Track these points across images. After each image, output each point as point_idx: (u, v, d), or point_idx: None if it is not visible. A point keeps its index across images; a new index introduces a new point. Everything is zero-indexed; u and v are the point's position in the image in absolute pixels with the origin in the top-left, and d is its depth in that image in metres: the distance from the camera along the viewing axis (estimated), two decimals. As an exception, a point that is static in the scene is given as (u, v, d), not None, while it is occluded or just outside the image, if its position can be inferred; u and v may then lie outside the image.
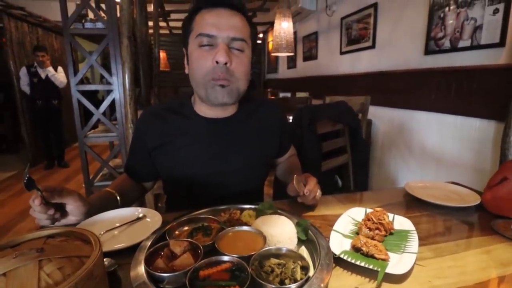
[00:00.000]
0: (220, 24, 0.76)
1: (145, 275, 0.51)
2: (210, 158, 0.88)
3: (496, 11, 1.57)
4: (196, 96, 0.89)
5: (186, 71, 0.86)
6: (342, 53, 3.19)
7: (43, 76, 3.97)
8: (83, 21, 2.05)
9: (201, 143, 0.88)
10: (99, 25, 2.04)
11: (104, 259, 0.55)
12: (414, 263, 0.58)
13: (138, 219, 0.78)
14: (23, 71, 3.99)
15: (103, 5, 2.77)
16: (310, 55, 4.01)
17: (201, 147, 0.88)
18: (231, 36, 0.77)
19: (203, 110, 0.90)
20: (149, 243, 0.61)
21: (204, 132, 0.89)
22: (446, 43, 1.89)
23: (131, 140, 0.99)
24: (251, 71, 0.87)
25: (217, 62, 0.76)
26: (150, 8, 3.18)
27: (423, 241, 0.68)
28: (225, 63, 0.76)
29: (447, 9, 1.86)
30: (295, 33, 4.29)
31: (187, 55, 0.85)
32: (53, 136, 4.26)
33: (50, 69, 3.99)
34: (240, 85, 0.83)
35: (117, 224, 0.75)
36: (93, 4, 2.08)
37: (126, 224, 0.75)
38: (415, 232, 0.69)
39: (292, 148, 1.15)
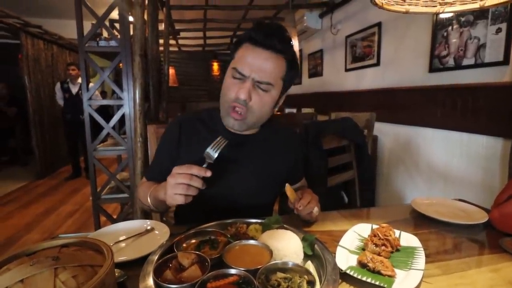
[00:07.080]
0: (253, 66, 0.81)
1: (153, 286, 0.52)
2: (226, 173, 0.90)
3: (499, 30, 1.60)
4: None
5: None
6: (347, 70, 3.24)
7: (73, 91, 4.18)
8: (97, 39, 2.14)
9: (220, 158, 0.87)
10: (113, 43, 2.13)
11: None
12: (421, 280, 0.58)
13: (147, 231, 0.79)
14: (57, 87, 4.28)
15: (116, 25, 2.89)
16: (316, 72, 4.08)
17: (219, 162, 0.86)
18: (256, 79, 0.82)
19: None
20: (158, 255, 0.62)
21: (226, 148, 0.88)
22: (450, 61, 1.91)
23: (159, 146, 1.00)
24: (276, 107, 0.93)
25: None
26: (161, 27, 3.30)
27: (430, 258, 0.68)
28: (244, 100, 0.82)
29: (450, 28, 1.90)
30: (300, 50, 4.39)
31: None
32: (81, 149, 4.36)
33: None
34: (256, 120, 0.89)
35: (126, 237, 0.76)
36: (107, 23, 2.17)
37: (135, 236, 0.77)
38: (422, 249, 0.69)
39: (303, 180, 1.16)
